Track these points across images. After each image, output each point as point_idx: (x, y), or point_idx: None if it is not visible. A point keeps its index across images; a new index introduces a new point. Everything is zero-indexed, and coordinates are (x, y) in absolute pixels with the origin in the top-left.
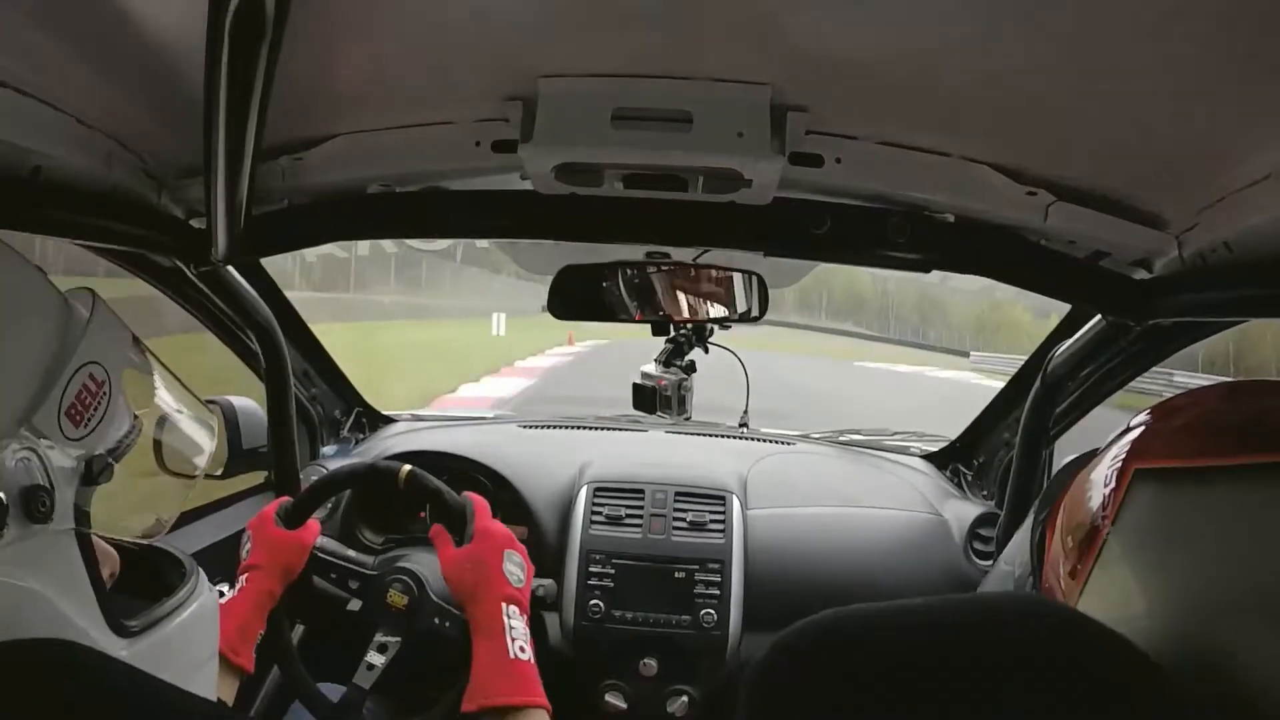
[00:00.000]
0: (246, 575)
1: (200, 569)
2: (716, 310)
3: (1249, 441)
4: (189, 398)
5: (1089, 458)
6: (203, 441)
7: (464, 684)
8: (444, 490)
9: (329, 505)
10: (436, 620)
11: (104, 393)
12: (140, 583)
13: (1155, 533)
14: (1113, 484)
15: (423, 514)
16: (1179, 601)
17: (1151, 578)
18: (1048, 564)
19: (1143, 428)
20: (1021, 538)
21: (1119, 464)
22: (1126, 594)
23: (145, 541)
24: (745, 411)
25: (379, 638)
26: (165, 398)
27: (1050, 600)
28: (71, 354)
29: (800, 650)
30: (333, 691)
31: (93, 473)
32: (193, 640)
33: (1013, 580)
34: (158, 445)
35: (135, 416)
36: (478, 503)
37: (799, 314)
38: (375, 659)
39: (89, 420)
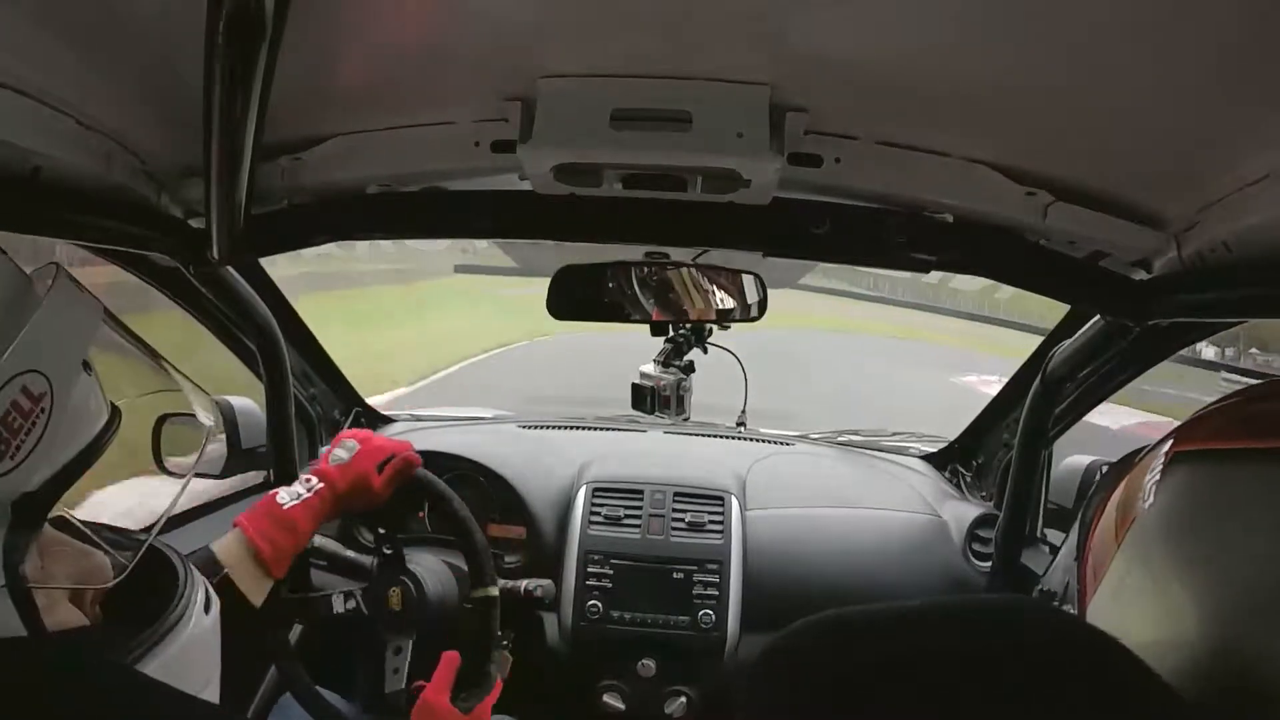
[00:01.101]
0: (319, 490)
1: (195, 572)
2: (715, 310)
3: None
4: (185, 383)
5: (1135, 456)
6: (199, 430)
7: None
8: (494, 627)
9: None
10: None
11: (41, 409)
12: (135, 594)
13: (1185, 512)
14: (1157, 473)
15: (422, 514)
16: (1202, 581)
17: (1178, 556)
18: (1090, 549)
19: (1191, 418)
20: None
21: (1165, 453)
22: (1151, 573)
23: (140, 538)
24: (743, 411)
25: (392, 642)
26: (151, 384)
27: (1050, 603)
28: None
29: (798, 651)
30: (330, 699)
31: (24, 514)
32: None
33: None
34: (156, 439)
35: (114, 408)
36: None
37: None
38: (397, 663)
39: (17, 449)
